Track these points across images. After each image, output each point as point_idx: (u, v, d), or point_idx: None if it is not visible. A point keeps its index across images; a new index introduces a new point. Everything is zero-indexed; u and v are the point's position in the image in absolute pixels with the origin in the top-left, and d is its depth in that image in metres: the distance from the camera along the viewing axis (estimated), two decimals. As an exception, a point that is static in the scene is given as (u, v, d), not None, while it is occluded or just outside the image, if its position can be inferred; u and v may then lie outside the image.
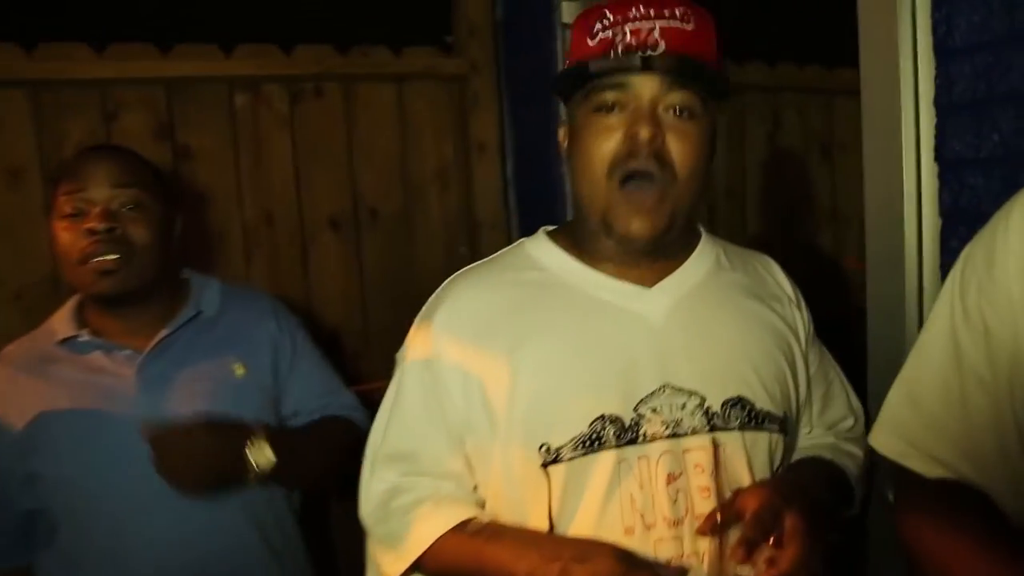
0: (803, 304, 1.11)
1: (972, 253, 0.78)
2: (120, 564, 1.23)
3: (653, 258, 1.01)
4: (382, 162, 2.07)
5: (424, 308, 1.07)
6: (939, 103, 1.09)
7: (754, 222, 2.52)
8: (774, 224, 2.54)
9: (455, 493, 0.99)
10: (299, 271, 1.99)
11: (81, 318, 1.33)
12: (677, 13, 0.93)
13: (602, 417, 0.93)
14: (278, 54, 1.95)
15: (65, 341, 1.30)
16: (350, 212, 2.05)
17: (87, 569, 1.24)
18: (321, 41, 1.99)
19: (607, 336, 0.97)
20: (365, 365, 2.01)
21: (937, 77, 1.09)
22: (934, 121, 1.10)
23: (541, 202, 2.10)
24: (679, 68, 0.92)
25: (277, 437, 1.25)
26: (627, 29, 0.93)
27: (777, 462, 1.01)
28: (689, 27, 0.93)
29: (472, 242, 2.16)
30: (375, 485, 1.01)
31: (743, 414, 0.97)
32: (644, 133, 0.92)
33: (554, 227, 1.10)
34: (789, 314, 1.07)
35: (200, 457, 1.18)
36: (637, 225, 0.95)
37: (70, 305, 1.36)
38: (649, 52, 0.91)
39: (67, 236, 1.25)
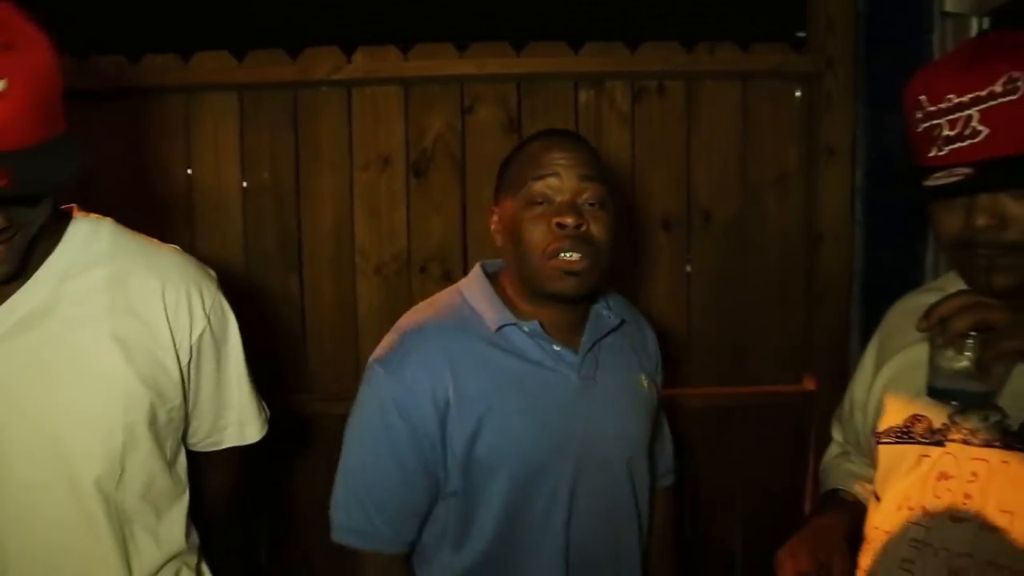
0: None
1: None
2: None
3: None
4: (720, 164, 1.97)
5: None
6: None
7: None
8: None
9: None
10: (629, 271, 1.95)
11: (509, 304, 1.23)
12: None
13: None
14: (623, 51, 1.93)
15: (504, 327, 1.20)
16: (683, 213, 1.97)
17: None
18: (667, 38, 1.94)
19: None
20: (685, 370, 1.91)
21: None
22: None
23: (891, 214, 1.85)
24: None
25: None
26: None
27: None
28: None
29: (812, 254, 1.96)
30: None
31: None
32: None
33: None
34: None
35: None
36: None
37: (486, 285, 1.25)
38: None
39: (534, 227, 1.16)
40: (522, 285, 1.21)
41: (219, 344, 1.19)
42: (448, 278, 1.96)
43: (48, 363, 1.03)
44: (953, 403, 0.95)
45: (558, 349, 1.21)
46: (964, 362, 0.88)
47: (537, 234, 1.15)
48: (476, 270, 1.29)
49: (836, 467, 1.31)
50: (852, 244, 1.95)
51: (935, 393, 0.93)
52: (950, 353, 0.89)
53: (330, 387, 1.98)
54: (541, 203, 1.16)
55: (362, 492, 1.17)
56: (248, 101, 1.94)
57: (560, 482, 1.19)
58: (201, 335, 1.15)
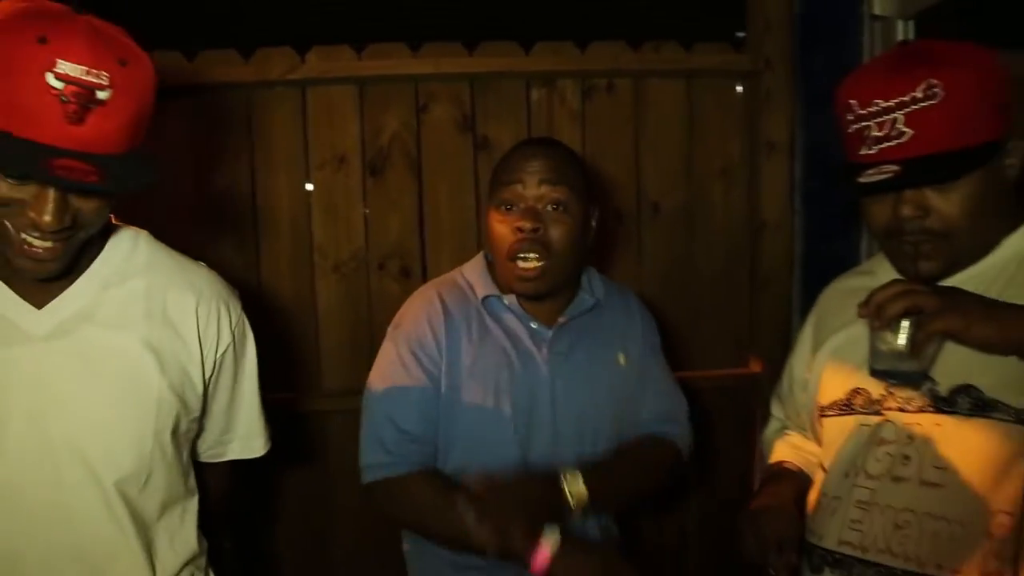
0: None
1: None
2: None
3: None
4: (667, 158, 2.05)
5: None
6: None
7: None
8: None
9: None
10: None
11: (497, 281, 1.40)
12: None
13: None
14: (573, 51, 1.99)
15: (488, 298, 1.38)
16: (633, 206, 2.05)
17: None
18: (614, 38, 2.01)
19: None
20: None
21: None
22: None
23: (829, 205, 1.97)
24: None
25: (589, 470, 1.30)
26: None
27: None
28: None
29: (755, 243, 2.06)
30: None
31: None
32: None
33: None
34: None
35: (523, 508, 1.21)
36: None
37: (483, 266, 1.43)
38: None
39: (498, 228, 1.33)
40: (502, 278, 1.38)
41: (238, 360, 1.24)
42: (407, 275, 2.00)
43: (87, 365, 1.06)
44: (892, 382, 1.05)
45: (535, 326, 1.38)
46: (900, 344, 0.97)
47: (502, 237, 1.32)
48: (479, 255, 1.48)
49: (777, 441, 1.40)
50: (793, 232, 2.06)
51: (876, 374, 1.03)
52: (888, 336, 0.98)
53: (294, 385, 1.99)
54: (510, 208, 1.32)
55: (394, 428, 1.30)
56: (201, 101, 1.93)
57: (520, 448, 1.33)
58: (225, 351, 1.20)
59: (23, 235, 0.95)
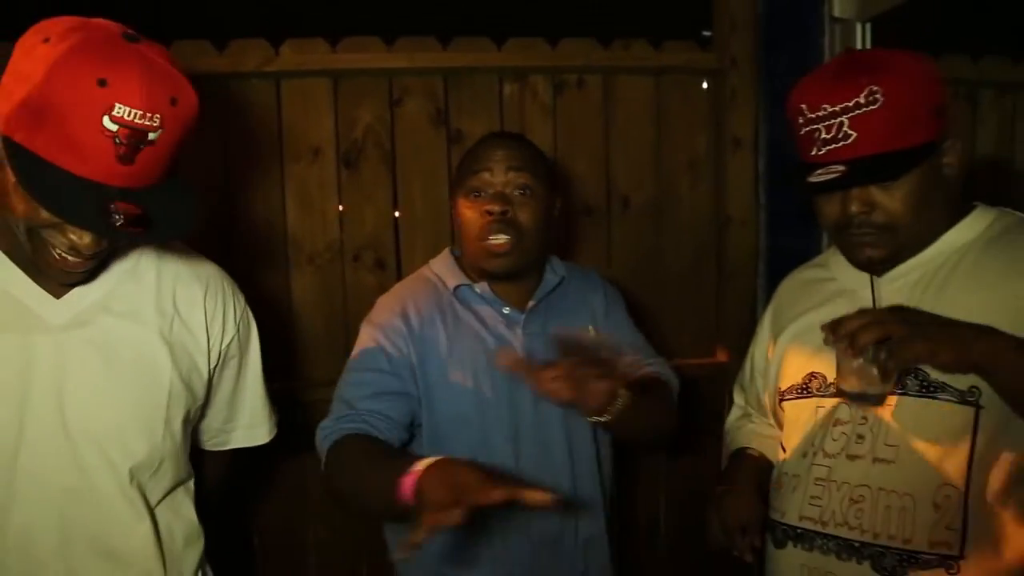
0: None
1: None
2: None
3: None
4: (636, 153, 2.10)
5: None
6: None
7: None
8: None
9: None
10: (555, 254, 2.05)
11: (466, 273, 1.45)
12: None
13: None
14: (544, 47, 2.03)
15: (459, 288, 1.43)
16: (603, 199, 2.10)
17: None
18: (585, 34, 2.06)
19: None
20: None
21: None
22: None
23: (791, 200, 2.03)
24: None
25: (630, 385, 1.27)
26: None
27: None
28: None
29: (721, 236, 2.12)
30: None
31: None
32: None
33: None
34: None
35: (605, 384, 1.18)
36: None
37: (450, 259, 1.48)
38: None
39: (468, 214, 1.38)
40: (470, 265, 1.42)
41: (243, 352, 1.29)
42: (382, 266, 2.02)
43: (104, 354, 1.09)
44: (860, 403, 1.10)
45: (507, 311, 1.43)
46: (873, 372, 1.04)
47: (471, 221, 1.38)
48: (445, 251, 1.53)
49: (739, 428, 1.47)
50: (757, 227, 2.12)
51: (845, 395, 1.08)
52: (856, 363, 1.04)
53: (269, 377, 2.00)
54: (478, 195, 1.38)
55: (342, 398, 1.34)
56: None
57: (507, 428, 1.37)
58: (230, 343, 1.25)
59: (59, 251, 0.99)
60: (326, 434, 1.31)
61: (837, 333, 1.02)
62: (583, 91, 2.07)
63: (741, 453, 1.41)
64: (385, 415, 1.31)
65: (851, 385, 1.06)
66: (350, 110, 1.99)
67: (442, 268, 1.48)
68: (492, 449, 1.35)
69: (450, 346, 1.38)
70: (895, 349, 0.99)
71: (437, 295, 1.43)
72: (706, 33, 2.14)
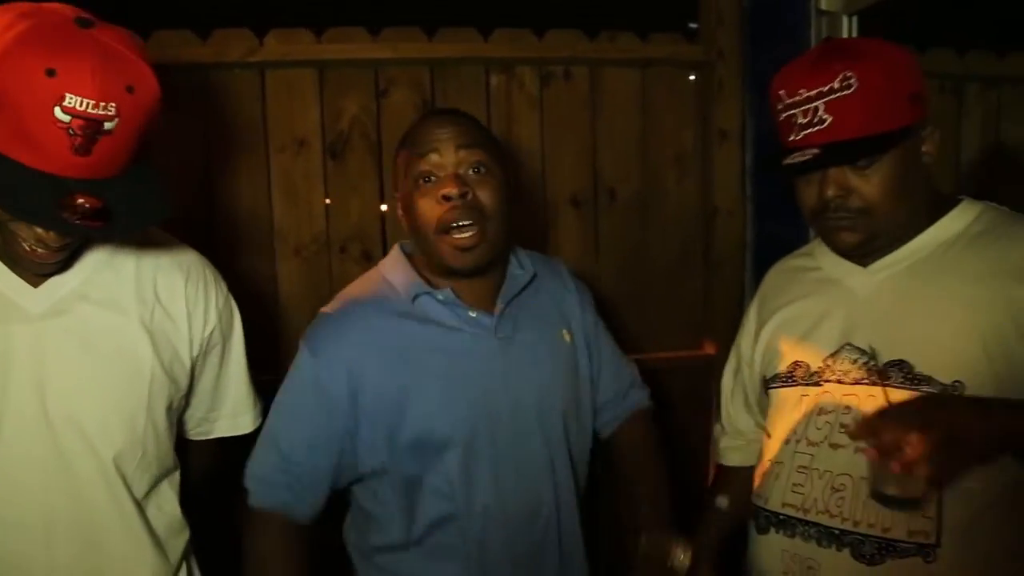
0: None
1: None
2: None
3: None
4: (623, 145, 2.10)
5: None
6: None
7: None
8: None
9: None
10: (540, 246, 2.05)
11: (424, 278, 1.30)
12: None
13: None
14: (531, 38, 2.03)
15: (418, 298, 1.27)
16: (590, 191, 2.09)
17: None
18: (572, 26, 2.05)
19: None
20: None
21: None
22: None
23: (777, 191, 2.04)
24: None
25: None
26: None
27: None
28: None
29: (708, 228, 2.13)
30: None
31: None
32: None
33: None
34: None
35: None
36: None
37: (403, 262, 1.32)
38: None
39: (422, 204, 1.22)
40: (429, 262, 1.29)
41: (225, 340, 1.27)
42: (368, 258, 2.01)
43: (83, 342, 1.08)
44: (894, 507, 1.03)
45: (474, 315, 1.27)
46: (916, 493, 0.97)
47: (427, 210, 1.22)
48: (395, 250, 1.37)
49: (723, 439, 1.49)
50: (744, 218, 2.13)
51: (886, 498, 1.00)
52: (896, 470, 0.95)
53: (255, 370, 1.99)
54: (429, 180, 1.23)
55: (277, 451, 1.26)
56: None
57: (486, 441, 1.26)
58: (212, 331, 1.23)
59: (28, 244, 0.98)
60: (256, 486, 1.27)
61: (877, 440, 0.94)
62: (570, 83, 2.07)
63: (722, 478, 1.48)
64: (317, 468, 1.25)
65: (893, 491, 0.99)
66: (336, 101, 1.98)
67: (395, 274, 1.31)
68: (475, 471, 1.25)
69: (406, 382, 1.23)
70: (938, 464, 0.91)
71: (389, 312, 1.26)
72: (693, 26, 2.15)
